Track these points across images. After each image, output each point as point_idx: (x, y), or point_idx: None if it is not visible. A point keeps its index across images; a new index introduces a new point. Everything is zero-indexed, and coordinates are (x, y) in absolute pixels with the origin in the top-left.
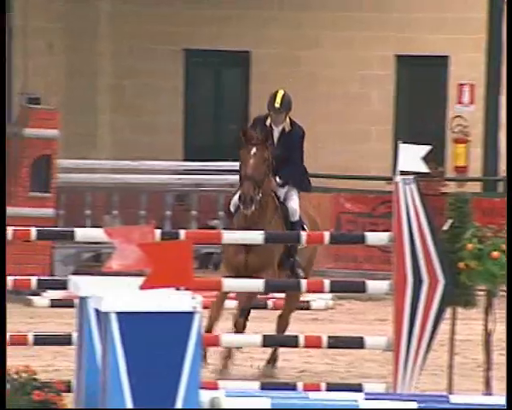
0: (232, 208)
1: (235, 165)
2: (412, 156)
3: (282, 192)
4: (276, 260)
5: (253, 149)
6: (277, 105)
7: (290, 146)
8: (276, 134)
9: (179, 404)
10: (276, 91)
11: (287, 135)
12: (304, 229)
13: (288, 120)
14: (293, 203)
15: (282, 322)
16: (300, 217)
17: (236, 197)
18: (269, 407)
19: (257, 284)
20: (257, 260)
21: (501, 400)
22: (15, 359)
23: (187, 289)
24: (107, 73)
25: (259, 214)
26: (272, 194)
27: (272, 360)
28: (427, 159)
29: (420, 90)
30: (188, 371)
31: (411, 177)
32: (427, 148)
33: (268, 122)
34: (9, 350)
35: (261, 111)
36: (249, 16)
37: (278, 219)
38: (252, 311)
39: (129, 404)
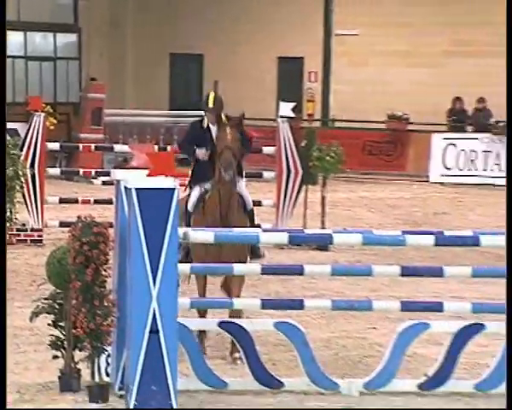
0: (190, 208)
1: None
2: (286, 108)
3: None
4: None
5: (229, 129)
6: (211, 104)
7: None
8: (214, 133)
9: (166, 238)
10: (208, 94)
11: None
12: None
13: (223, 118)
14: (246, 192)
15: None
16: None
17: (195, 196)
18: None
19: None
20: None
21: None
22: (84, 211)
23: (171, 177)
24: (131, 63)
25: (228, 208)
26: (236, 191)
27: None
28: (293, 109)
29: (287, 75)
30: (171, 221)
31: (285, 119)
32: (293, 104)
33: (205, 123)
34: (82, 207)
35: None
36: (203, 30)
37: (241, 210)
38: None
39: (142, 237)
